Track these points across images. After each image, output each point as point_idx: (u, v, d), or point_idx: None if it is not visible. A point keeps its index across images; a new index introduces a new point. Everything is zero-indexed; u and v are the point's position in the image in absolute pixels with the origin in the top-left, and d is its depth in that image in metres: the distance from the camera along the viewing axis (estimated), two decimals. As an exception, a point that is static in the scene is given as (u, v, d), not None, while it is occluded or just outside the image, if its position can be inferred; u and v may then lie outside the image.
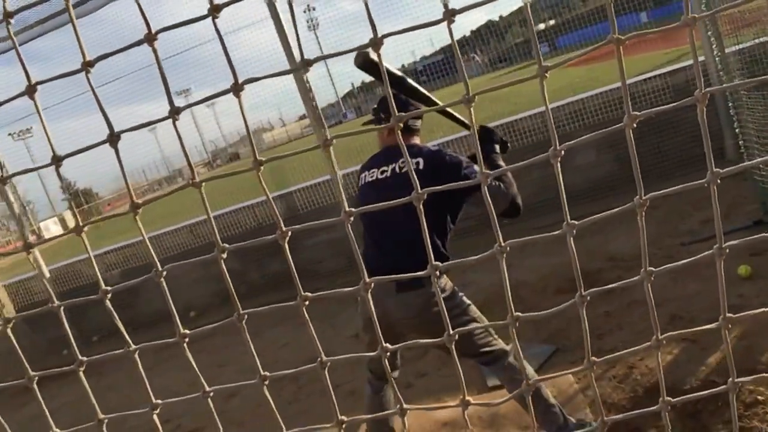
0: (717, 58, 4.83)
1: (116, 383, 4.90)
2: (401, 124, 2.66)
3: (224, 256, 0.87)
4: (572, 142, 0.80)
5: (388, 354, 2.61)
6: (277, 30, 5.42)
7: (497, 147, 2.45)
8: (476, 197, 2.22)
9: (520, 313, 0.87)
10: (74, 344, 1.00)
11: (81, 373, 0.98)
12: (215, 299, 6.23)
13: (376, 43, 0.75)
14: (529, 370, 2.29)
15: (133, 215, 0.83)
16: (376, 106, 2.53)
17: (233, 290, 0.95)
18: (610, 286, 0.91)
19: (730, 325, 0.90)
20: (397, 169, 2.35)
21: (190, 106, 0.81)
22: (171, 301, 0.93)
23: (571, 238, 0.83)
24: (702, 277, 3.30)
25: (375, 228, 2.40)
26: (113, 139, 0.79)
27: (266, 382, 0.95)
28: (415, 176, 0.87)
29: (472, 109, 0.79)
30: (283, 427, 1.02)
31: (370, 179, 2.44)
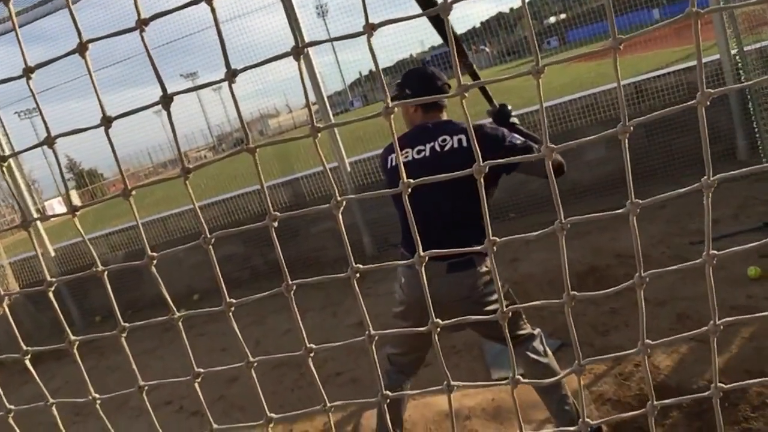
0: (736, 57, 4.78)
1: (117, 364, 4.91)
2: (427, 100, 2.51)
3: (275, 224, 0.85)
4: (643, 118, 0.77)
5: (417, 349, 2.55)
6: (287, 14, 5.37)
7: (516, 120, 2.37)
8: (524, 165, 2.13)
9: (576, 292, 0.85)
10: (118, 313, 0.99)
11: (123, 340, 0.97)
12: (215, 283, 6.22)
13: (446, 8, 0.73)
14: (551, 358, 2.28)
15: (184, 180, 0.82)
16: (400, 81, 2.38)
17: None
18: (674, 267, 0.87)
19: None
20: (438, 148, 2.20)
21: (247, 68, 0.78)
22: (219, 272, 0.91)
23: (634, 218, 0.80)
24: (712, 277, 3.27)
25: (416, 211, 2.29)
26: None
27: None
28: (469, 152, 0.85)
29: (539, 81, 0.76)
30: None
31: (405, 160, 2.27)
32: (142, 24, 0.73)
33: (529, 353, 2.24)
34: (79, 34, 0.75)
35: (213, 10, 0.73)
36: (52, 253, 6.60)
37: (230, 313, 0.91)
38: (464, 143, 2.16)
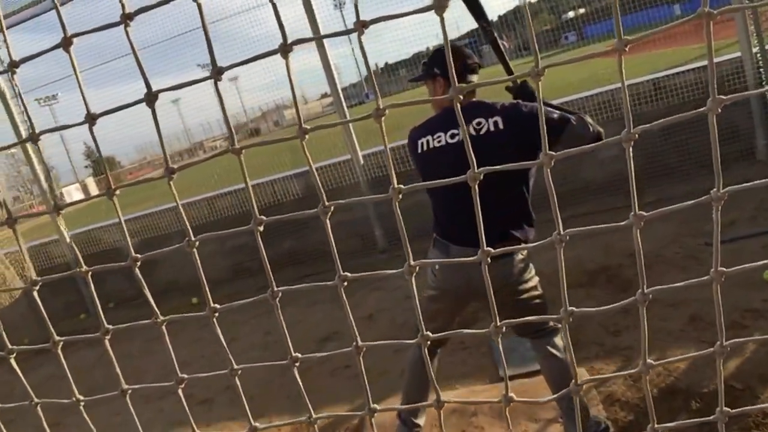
0: (758, 55, 4.69)
1: (127, 351, 4.96)
2: (448, 81, 2.51)
3: (260, 228, 0.85)
4: (648, 125, 0.74)
5: (444, 328, 2.57)
6: (304, 4, 5.36)
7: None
8: (563, 139, 2.05)
9: (574, 308, 0.82)
10: (102, 315, 0.99)
11: (107, 342, 0.97)
12: (229, 272, 6.28)
13: (441, 5, 0.71)
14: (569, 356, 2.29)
15: (168, 180, 0.82)
16: (426, 60, 2.30)
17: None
18: (681, 284, 0.83)
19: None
20: (473, 131, 2.10)
21: (234, 66, 0.78)
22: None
23: (638, 231, 0.76)
24: (725, 280, 3.22)
25: (452, 199, 2.18)
26: (151, 98, 0.77)
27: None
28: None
29: (539, 83, 0.74)
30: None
31: (437, 145, 2.18)
32: (126, 18, 0.73)
33: (548, 347, 2.25)
34: (64, 28, 0.75)
35: (199, 6, 0.72)
36: (68, 239, 6.68)
37: (214, 319, 0.90)
38: (500, 125, 2.08)
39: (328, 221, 0.82)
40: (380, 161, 5.82)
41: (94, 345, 5.16)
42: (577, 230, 0.80)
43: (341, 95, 5.70)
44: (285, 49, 0.73)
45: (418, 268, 0.85)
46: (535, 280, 2.25)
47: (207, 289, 0.91)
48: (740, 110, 4.96)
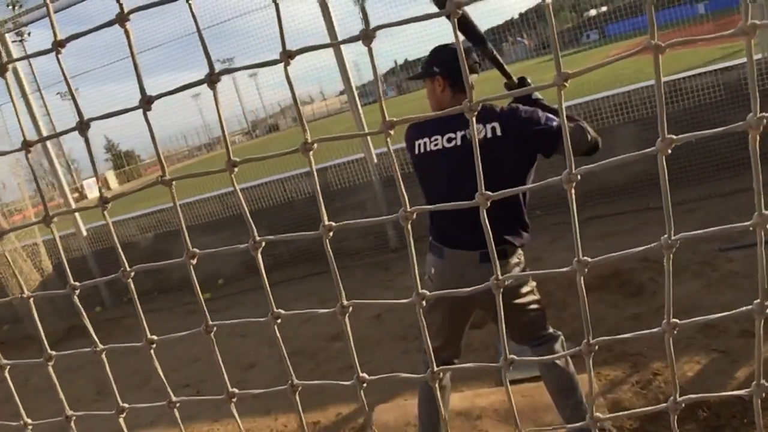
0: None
1: (138, 348, 5.02)
2: (448, 80, 2.41)
3: (193, 262, 0.87)
4: (592, 165, 0.72)
5: (453, 341, 2.51)
6: (320, 2, 5.38)
7: (539, 95, 2.24)
8: (562, 147, 2.04)
9: (515, 356, 0.80)
10: (45, 341, 0.99)
11: (50, 368, 0.99)
12: (242, 268, 6.33)
13: (367, 36, 0.69)
14: (569, 361, 2.27)
15: (102, 210, 0.84)
16: (427, 58, 2.26)
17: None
18: (632, 334, 0.82)
19: None
20: (469, 137, 2.09)
21: (164, 95, 0.79)
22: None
23: (581, 277, 0.75)
24: (738, 287, 3.18)
25: (447, 202, 2.16)
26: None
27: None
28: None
29: (473, 118, 0.74)
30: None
31: (434, 148, 2.17)
32: (58, 46, 0.75)
33: (548, 355, 2.23)
34: (8, 54, 0.77)
35: (127, 34, 0.73)
36: (84, 233, 6.78)
37: (152, 351, 0.92)
38: (498, 132, 2.06)
39: (260, 255, 0.83)
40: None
41: (108, 336, 5.23)
42: (517, 275, 0.81)
43: (355, 93, 5.72)
44: (212, 79, 0.73)
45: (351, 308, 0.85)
46: (532, 285, 2.22)
47: (145, 323, 0.94)
48: (764, 112, 4.87)
